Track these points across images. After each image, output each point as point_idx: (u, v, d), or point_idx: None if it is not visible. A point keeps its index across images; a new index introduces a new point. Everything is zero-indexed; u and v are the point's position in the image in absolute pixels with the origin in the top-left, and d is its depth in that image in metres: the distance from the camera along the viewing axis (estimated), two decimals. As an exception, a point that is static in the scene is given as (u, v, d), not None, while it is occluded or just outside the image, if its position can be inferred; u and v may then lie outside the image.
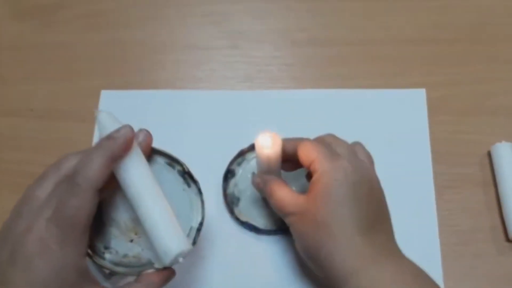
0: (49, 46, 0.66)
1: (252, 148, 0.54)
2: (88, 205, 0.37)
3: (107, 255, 0.40)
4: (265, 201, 0.53)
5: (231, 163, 0.54)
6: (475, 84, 0.60)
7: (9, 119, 0.61)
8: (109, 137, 0.39)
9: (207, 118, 0.58)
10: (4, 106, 0.62)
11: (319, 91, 0.60)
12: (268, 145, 0.45)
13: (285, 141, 0.45)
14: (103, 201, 0.41)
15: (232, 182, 0.54)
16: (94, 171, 0.37)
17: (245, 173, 0.54)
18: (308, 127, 0.51)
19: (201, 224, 0.42)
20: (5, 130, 0.61)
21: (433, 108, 0.58)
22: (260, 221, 0.51)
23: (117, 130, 0.39)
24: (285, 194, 0.44)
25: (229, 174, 0.54)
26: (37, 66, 0.65)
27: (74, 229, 0.36)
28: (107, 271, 0.42)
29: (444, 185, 0.54)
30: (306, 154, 0.43)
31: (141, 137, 0.42)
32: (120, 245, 0.40)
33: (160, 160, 0.44)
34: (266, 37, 0.65)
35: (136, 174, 0.39)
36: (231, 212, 0.52)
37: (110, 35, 0.67)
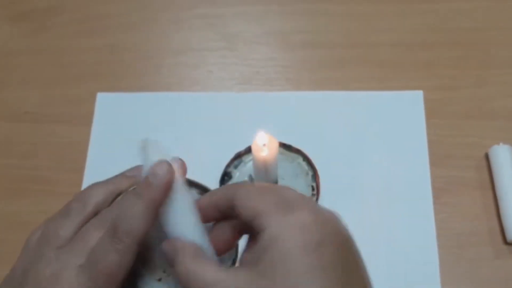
0: (44, 50, 0.66)
1: (249, 150, 0.54)
2: (128, 260, 0.32)
3: None
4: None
5: (228, 165, 0.54)
6: (473, 87, 0.60)
7: (4, 123, 0.61)
8: (148, 183, 0.33)
9: (203, 121, 0.58)
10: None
11: (316, 93, 0.59)
12: (264, 148, 0.44)
13: (214, 193, 0.34)
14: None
15: (228, 185, 0.54)
16: (138, 225, 0.32)
17: (242, 175, 0.54)
18: (305, 129, 0.51)
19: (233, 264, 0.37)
20: (0, 134, 0.60)
21: (431, 111, 0.58)
22: (257, 224, 0.51)
23: (154, 173, 0.33)
24: (214, 271, 0.30)
25: (226, 177, 0.54)
26: (32, 70, 0.65)
27: (109, 285, 0.32)
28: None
29: (441, 188, 0.54)
30: (247, 204, 0.31)
31: (175, 167, 0.35)
32: (146, 285, 0.36)
33: (193, 192, 0.39)
34: (262, 39, 0.65)
35: (181, 214, 0.34)
36: (228, 215, 0.51)
37: (105, 39, 0.67)
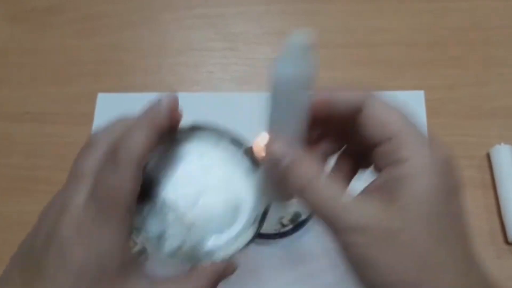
0: (45, 50, 0.66)
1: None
2: (130, 183, 0.31)
3: (161, 245, 0.34)
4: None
5: (229, 166, 0.54)
6: (474, 87, 0.60)
7: (5, 123, 0.61)
8: (151, 107, 0.33)
9: (204, 120, 0.58)
10: (0, 110, 0.62)
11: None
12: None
13: (339, 89, 0.30)
14: (158, 182, 0.35)
15: (229, 185, 0.53)
16: (137, 144, 0.31)
17: (242, 176, 0.54)
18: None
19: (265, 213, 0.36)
20: (0, 133, 0.60)
21: (432, 111, 0.58)
22: (258, 224, 0.51)
23: (160, 99, 0.33)
24: (342, 198, 0.27)
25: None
26: (33, 70, 0.65)
27: (115, 210, 0.30)
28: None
29: (443, 188, 0.54)
30: (382, 120, 0.27)
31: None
32: (176, 234, 0.34)
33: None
34: (263, 39, 0.64)
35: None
36: (229, 215, 0.51)
37: (106, 38, 0.67)
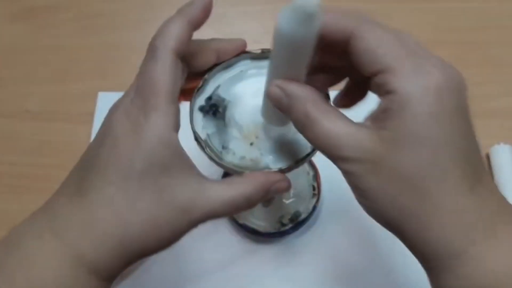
0: (46, 48, 0.66)
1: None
2: (168, 69, 0.31)
3: (224, 155, 0.35)
4: (263, 202, 0.53)
5: (229, 165, 0.54)
6: (473, 86, 0.59)
7: (5, 120, 0.61)
8: (185, 5, 0.34)
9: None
10: (0, 108, 0.62)
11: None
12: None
13: (330, 16, 0.29)
14: (228, 104, 0.37)
15: (229, 184, 0.54)
16: (172, 32, 0.32)
17: (242, 175, 0.54)
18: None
19: None
20: (0, 131, 0.60)
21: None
22: (258, 223, 0.51)
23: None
24: (336, 125, 0.28)
25: (226, 176, 0.54)
26: (34, 68, 0.65)
27: (157, 96, 0.31)
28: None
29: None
30: (373, 51, 0.27)
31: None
32: (238, 147, 0.36)
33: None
34: (263, 38, 0.65)
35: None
36: (229, 214, 0.51)
37: (106, 37, 0.67)
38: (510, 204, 0.29)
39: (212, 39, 0.36)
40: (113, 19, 0.68)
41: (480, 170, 0.28)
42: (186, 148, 0.32)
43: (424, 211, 0.27)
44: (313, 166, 0.53)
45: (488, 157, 0.55)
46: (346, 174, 0.29)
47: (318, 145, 0.29)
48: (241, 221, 0.51)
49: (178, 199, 0.31)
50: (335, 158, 0.29)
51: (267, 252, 0.50)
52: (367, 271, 0.49)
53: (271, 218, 0.52)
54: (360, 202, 0.30)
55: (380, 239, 0.50)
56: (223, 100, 0.37)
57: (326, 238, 0.51)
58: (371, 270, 0.49)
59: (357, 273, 0.49)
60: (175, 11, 0.34)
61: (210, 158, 0.35)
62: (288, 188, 0.34)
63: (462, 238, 0.27)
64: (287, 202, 0.53)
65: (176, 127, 0.32)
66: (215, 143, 0.36)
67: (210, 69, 0.37)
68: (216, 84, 0.37)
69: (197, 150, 0.35)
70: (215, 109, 0.37)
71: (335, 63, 0.32)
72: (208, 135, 0.36)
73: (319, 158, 0.53)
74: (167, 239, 0.31)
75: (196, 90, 0.37)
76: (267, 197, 0.33)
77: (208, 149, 0.35)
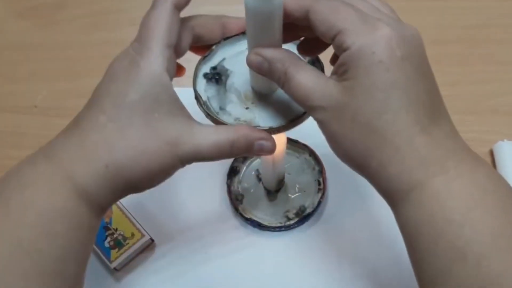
0: (53, 45, 0.67)
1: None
2: (165, 17, 0.34)
3: (221, 115, 0.37)
4: (269, 197, 0.53)
5: (235, 160, 0.55)
6: (476, 84, 0.60)
7: (13, 116, 0.62)
8: None
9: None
10: (8, 103, 0.63)
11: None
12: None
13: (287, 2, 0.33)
14: (230, 74, 0.39)
15: (236, 179, 0.54)
16: None
17: (248, 170, 0.55)
18: (312, 125, 0.51)
19: None
20: (9, 126, 0.61)
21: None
22: (264, 217, 0.52)
23: None
24: (308, 79, 0.32)
25: (233, 172, 0.54)
26: (41, 64, 0.65)
27: (152, 39, 0.34)
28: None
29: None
30: (327, 20, 0.31)
31: None
32: (234, 109, 0.38)
33: None
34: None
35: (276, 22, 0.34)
36: (235, 209, 0.52)
37: (113, 34, 0.67)
38: (466, 146, 0.32)
39: (221, 15, 0.39)
40: (120, 16, 0.68)
41: (436, 114, 0.31)
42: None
43: (382, 151, 0.30)
44: (318, 161, 0.54)
45: (492, 153, 0.55)
46: (318, 122, 0.33)
47: (295, 98, 0.33)
48: (247, 215, 0.51)
49: (166, 133, 0.33)
50: (309, 108, 0.33)
51: (272, 246, 0.51)
52: (372, 266, 0.49)
53: (277, 212, 0.52)
54: (331, 147, 0.34)
55: (385, 233, 0.51)
56: (227, 70, 0.40)
57: (332, 232, 0.51)
58: (376, 265, 0.49)
59: (362, 267, 0.49)
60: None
61: (206, 114, 0.37)
62: (271, 148, 0.36)
63: (417, 172, 0.30)
64: (292, 196, 0.53)
65: (169, 70, 0.34)
66: (214, 105, 0.38)
67: (217, 42, 0.39)
68: (223, 56, 0.40)
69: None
70: (218, 77, 0.39)
71: (307, 35, 0.36)
72: (208, 97, 0.38)
73: (324, 154, 0.54)
74: (154, 172, 0.33)
75: (202, 58, 0.40)
76: (251, 151, 0.35)
77: (205, 106, 0.37)
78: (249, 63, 0.34)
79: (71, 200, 0.32)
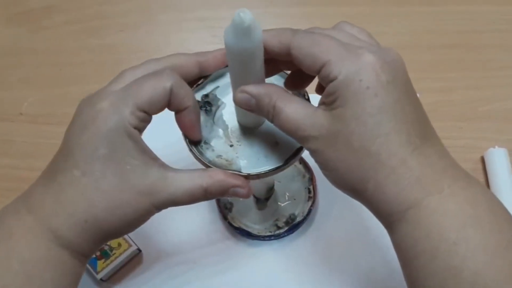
0: (41, 51, 0.66)
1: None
2: (158, 90, 0.34)
3: (204, 149, 0.38)
4: (259, 205, 0.53)
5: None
6: (469, 90, 0.60)
7: (1, 124, 0.61)
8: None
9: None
10: (-4, 110, 0.62)
11: (314, 96, 0.59)
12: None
13: (268, 34, 0.33)
14: (221, 105, 0.40)
15: (225, 187, 0.54)
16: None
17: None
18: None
19: None
20: (-4, 134, 0.60)
21: (427, 114, 0.58)
22: (253, 226, 0.51)
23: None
24: (297, 111, 0.33)
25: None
26: (29, 71, 0.65)
27: (135, 101, 0.33)
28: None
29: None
30: (310, 53, 0.32)
31: None
32: (218, 145, 0.38)
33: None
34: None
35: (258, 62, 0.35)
36: (224, 217, 0.51)
37: (103, 39, 0.67)
38: (457, 164, 0.32)
39: (196, 53, 0.38)
40: (110, 21, 0.68)
41: (426, 135, 0.32)
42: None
43: (378, 172, 0.31)
44: (308, 169, 0.53)
45: (483, 160, 0.55)
46: (311, 152, 0.33)
47: (286, 130, 0.33)
48: (236, 224, 0.51)
49: (139, 183, 0.33)
50: (301, 139, 0.33)
51: (262, 255, 0.50)
52: (363, 274, 0.49)
53: (267, 221, 0.51)
54: (325, 175, 0.34)
55: (376, 242, 0.50)
56: (218, 100, 0.40)
57: (322, 241, 0.51)
58: (367, 273, 0.49)
59: (353, 275, 0.49)
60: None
61: (190, 149, 0.37)
62: (245, 195, 0.36)
63: (413, 191, 0.31)
64: (282, 205, 0.53)
65: (140, 129, 0.34)
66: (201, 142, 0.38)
67: (195, 81, 0.39)
68: (217, 84, 0.40)
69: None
70: (208, 107, 0.39)
71: (290, 68, 0.37)
72: None
73: (314, 162, 0.54)
74: (131, 222, 0.34)
75: (195, 86, 0.39)
76: (225, 195, 0.36)
77: (187, 140, 0.37)
78: (237, 102, 0.35)
79: (54, 249, 0.33)
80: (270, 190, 0.52)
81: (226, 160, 0.37)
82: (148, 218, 0.35)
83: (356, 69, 0.30)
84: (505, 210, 0.32)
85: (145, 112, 0.34)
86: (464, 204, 0.30)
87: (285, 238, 0.51)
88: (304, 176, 0.54)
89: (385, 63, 0.31)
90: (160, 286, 0.49)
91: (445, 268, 0.29)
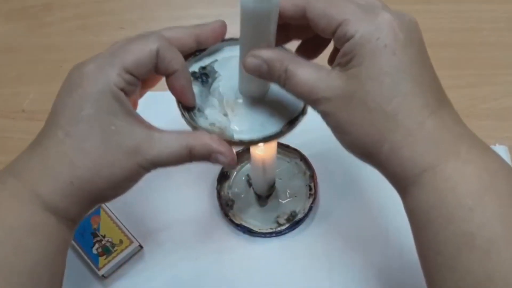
0: (41, 48, 0.66)
1: (246, 150, 0.54)
2: (144, 52, 0.34)
3: (197, 116, 0.38)
4: (260, 202, 0.53)
5: (225, 165, 0.54)
6: (468, 88, 0.60)
7: (0, 120, 0.60)
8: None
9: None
10: (-5, 107, 0.62)
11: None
12: (262, 147, 0.44)
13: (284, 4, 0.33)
14: (218, 77, 0.39)
15: (226, 184, 0.54)
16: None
17: (239, 175, 0.54)
18: (303, 130, 0.50)
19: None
20: (-5, 131, 0.60)
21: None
22: (254, 223, 0.51)
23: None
24: (310, 73, 0.32)
25: (223, 177, 0.54)
26: (28, 68, 0.64)
27: (120, 61, 0.34)
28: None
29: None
30: (326, 14, 0.31)
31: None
32: (212, 114, 0.38)
33: None
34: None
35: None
36: (225, 214, 0.51)
37: (102, 36, 0.67)
38: (472, 132, 0.32)
39: (193, 26, 0.38)
40: (109, 18, 0.68)
41: (442, 99, 0.32)
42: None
43: (395, 133, 0.30)
44: (309, 166, 0.53)
45: (483, 158, 0.55)
46: (324, 115, 0.33)
47: (299, 93, 0.33)
48: (237, 221, 0.51)
49: (125, 144, 0.33)
50: (313, 102, 0.33)
51: (263, 252, 0.50)
52: (364, 271, 0.49)
53: (268, 218, 0.52)
54: (338, 139, 0.33)
55: (378, 238, 0.50)
56: (215, 72, 0.39)
57: (323, 238, 0.51)
58: (367, 270, 0.49)
59: (354, 272, 0.49)
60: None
61: (182, 114, 0.37)
62: (226, 164, 0.35)
63: (429, 154, 0.30)
64: (283, 202, 0.53)
65: (128, 92, 0.34)
66: (195, 108, 0.38)
67: (191, 54, 0.39)
68: (215, 58, 0.40)
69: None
70: (205, 78, 0.39)
71: (300, 36, 0.37)
72: None
73: (315, 159, 0.54)
74: (117, 183, 0.34)
75: (193, 56, 0.39)
76: (209, 161, 0.35)
77: (181, 105, 0.37)
78: (247, 66, 0.34)
79: (40, 214, 0.32)
80: (272, 187, 0.52)
81: (219, 128, 0.37)
82: (136, 179, 0.35)
83: (374, 27, 0.30)
84: None
85: (131, 74, 0.34)
86: (481, 170, 0.30)
87: (286, 235, 0.51)
88: (305, 174, 0.54)
89: (403, 22, 0.31)
90: (161, 283, 0.49)
91: (460, 234, 0.29)
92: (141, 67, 0.34)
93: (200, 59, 0.39)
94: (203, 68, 0.39)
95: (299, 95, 0.33)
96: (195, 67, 0.39)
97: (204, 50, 0.39)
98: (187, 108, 0.37)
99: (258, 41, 0.33)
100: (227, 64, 0.39)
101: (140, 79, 0.35)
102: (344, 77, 0.31)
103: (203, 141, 0.34)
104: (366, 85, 0.30)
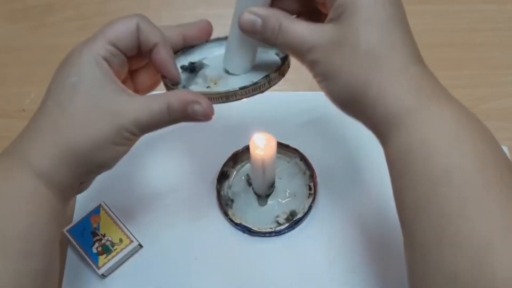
0: (42, 48, 0.66)
1: (246, 150, 0.54)
2: (124, 26, 0.38)
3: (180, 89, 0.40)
4: (259, 201, 0.53)
5: (225, 165, 0.54)
6: (469, 88, 0.60)
7: (1, 120, 0.61)
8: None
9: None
10: (-4, 107, 0.62)
11: (314, 93, 0.59)
12: (262, 147, 0.44)
13: None
14: (205, 66, 0.43)
15: (226, 184, 0.54)
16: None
17: (238, 175, 0.54)
18: (303, 130, 0.50)
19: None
20: (-3, 130, 0.60)
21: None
22: (254, 222, 0.51)
23: None
24: (303, 26, 0.35)
25: (222, 176, 0.54)
26: (30, 68, 0.65)
27: (102, 35, 0.38)
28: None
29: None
30: None
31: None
32: (196, 87, 0.41)
33: None
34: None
35: None
36: (225, 213, 0.51)
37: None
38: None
39: (180, 25, 0.41)
40: (111, 18, 0.67)
41: (421, 59, 0.35)
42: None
43: (382, 73, 0.32)
44: (309, 165, 0.54)
45: (483, 158, 0.55)
46: (314, 64, 0.35)
47: (291, 45, 0.35)
48: (237, 220, 0.51)
49: (107, 106, 0.36)
50: (305, 51, 0.34)
51: (263, 252, 0.50)
52: (364, 270, 0.49)
53: (267, 217, 0.52)
54: (324, 86, 0.35)
55: (377, 238, 0.50)
56: (204, 65, 0.43)
57: (322, 237, 0.51)
58: (366, 270, 0.49)
59: (353, 272, 0.49)
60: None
61: (165, 84, 0.40)
62: (204, 114, 0.37)
63: (411, 98, 0.32)
64: (283, 201, 0.53)
65: (112, 62, 0.37)
66: (180, 84, 0.41)
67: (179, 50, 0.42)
68: (203, 56, 0.43)
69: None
70: (193, 69, 0.43)
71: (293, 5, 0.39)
72: None
73: (315, 159, 0.54)
74: (102, 143, 0.36)
75: (182, 51, 0.42)
76: (187, 115, 0.37)
77: (166, 80, 0.40)
78: (242, 22, 0.36)
79: (29, 179, 0.34)
80: (271, 186, 0.52)
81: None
82: (121, 143, 0.36)
83: None
84: (495, 139, 0.34)
85: (115, 46, 0.37)
86: (460, 115, 0.33)
87: (285, 234, 0.51)
88: (304, 173, 0.54)
89: None
90: (161, 282, 0.49)
91: (437, 172, 0.30)
92: (123, 39, 0.37)
93: (189, 54, 0.42)
94: (192, 63, 0.42)
95: (291, 46, 0.35)
96: (184, 61, 0.42)
97: (192, 47, 0.42)
98: (172, 84, 0.40)
99: (254, 2, 0.36)
100: (216, 60, 0.42)
101: (124, 53, 0.38)
102: (336, 26, 0.33)
103: (179, 95, 0.37)
104: (359, 30, 0.32)
